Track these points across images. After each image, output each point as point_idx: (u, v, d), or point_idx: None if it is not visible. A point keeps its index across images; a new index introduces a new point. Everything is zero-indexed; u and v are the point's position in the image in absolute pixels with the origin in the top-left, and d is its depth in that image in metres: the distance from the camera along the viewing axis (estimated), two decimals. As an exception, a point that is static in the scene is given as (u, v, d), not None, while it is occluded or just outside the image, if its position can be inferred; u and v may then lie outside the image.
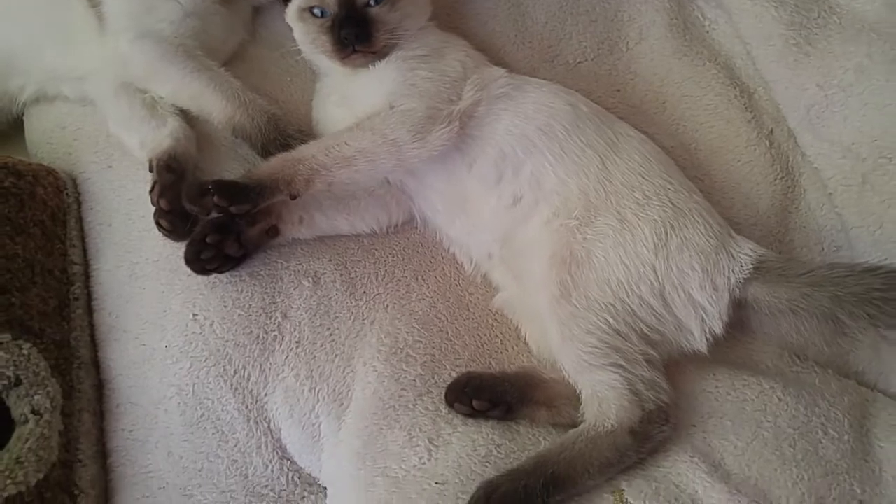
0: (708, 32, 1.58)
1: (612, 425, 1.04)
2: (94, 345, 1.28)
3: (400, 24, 1.31)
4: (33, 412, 1.12)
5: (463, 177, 1.26)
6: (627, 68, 1.57)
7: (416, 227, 1.37)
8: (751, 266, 1.16)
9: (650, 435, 1.05)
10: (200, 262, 1.17)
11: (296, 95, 1.46)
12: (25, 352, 1.14)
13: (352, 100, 1.32)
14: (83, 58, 1.40)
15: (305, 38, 1.34)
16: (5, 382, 1.11)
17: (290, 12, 1.36)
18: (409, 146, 1.19)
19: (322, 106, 1.40)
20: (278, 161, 1.17)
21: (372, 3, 1.29)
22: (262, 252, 1.26)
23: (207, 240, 1.15)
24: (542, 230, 1.20)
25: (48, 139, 1.47)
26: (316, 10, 1.30)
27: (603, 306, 1.11)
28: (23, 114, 1.55)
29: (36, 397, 1.13)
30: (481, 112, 1.26)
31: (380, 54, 1.30)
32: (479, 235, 1.28)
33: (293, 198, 1.16)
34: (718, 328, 1.14)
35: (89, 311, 1.30)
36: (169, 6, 1.37)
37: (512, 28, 1.57)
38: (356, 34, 1.25)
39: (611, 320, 1.10)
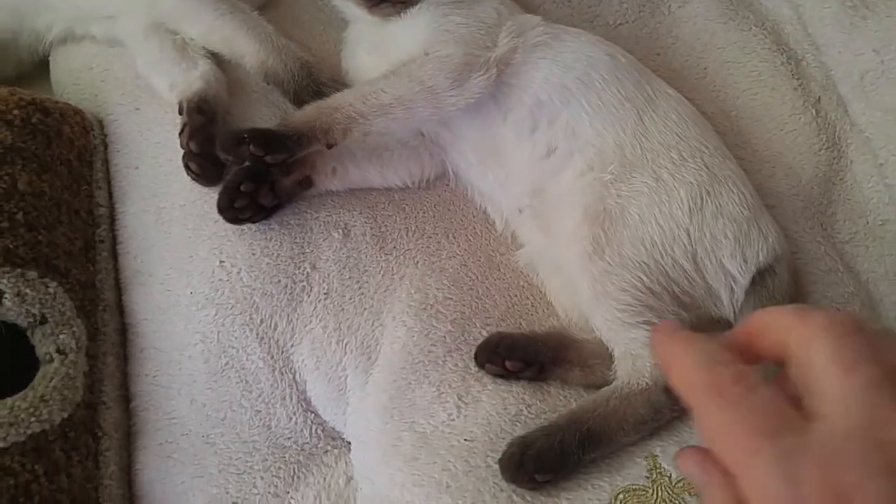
0: (753, -5, 1.53)
1: (646, 383, 1.02)
2: (118, 288, 1.26)
3: None
4: (58, 351, 1.11)
5: (497, 127, 1.23)
6: (669, 32, 1.53)
7: (447, 184, 1.34)
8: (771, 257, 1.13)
9: None
10: (234, 210, 1.14)
11: (328, 45, 1.42)
12: (52, 290, 1.12)
13: (383, 48, 1.29)
14: (113, -4, 1.36)
15: None
16: (31, 320, 1.09)
17: None
18: (446, 93, 1.16)
19: (352, 54, 1.36)
20: (314, 109, 1.14)
21: None
22: (292, 202, 1.23)
23: (241, 188, 1.13)
24: (576, 183, 1.17)
25: (74, 80, 1.44)
26: None
27: (637, 264, 1.08)
28: (48, 54, 1.52)
29: (61, 336, 1.11)
30: (518, 60, 1.22)
31: (410, 2, 1.26)
32: (511, 188, 1.25)
33: (329, 147, 1.13)
34: (743, 299, 1.11)
35: (114, 254, 1.28)
36: (202, -54, 1.33)
37: (547, -18, 1.53)
38: None
39: (644, 279, 1.08)
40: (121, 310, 1.25)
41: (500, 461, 1.00)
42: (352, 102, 1.13)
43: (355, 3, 1.28)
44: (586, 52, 1.25)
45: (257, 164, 1.13)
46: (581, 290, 1.10)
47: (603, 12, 1.53)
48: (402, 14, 1.26)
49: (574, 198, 1.16)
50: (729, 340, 0.59)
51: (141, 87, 1.36)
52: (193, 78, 1.27)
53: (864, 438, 0.52)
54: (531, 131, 1.21)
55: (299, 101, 1.29)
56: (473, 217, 1.32)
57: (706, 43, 1.49)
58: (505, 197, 1.27)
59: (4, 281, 1.07)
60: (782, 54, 1.43)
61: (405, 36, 1.25)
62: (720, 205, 1.12)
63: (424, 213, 1.30)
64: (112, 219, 1.30)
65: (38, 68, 1.55)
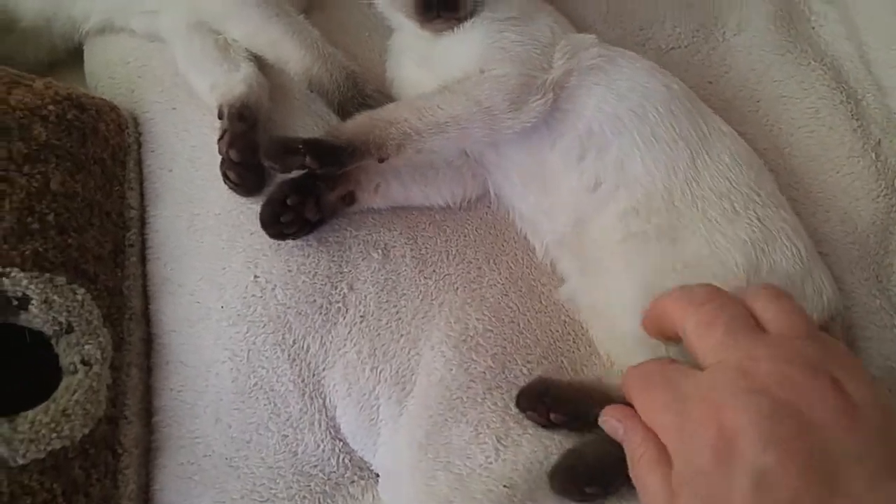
0: (814, 29, 1.48)
1: None
2: (145, 296, 1.22)
3: None
4: (83, 362, 1.06)
5: (545, 152, 1.18)
6: (722, 60, 1.48)
7: (489, 206, 1.29)
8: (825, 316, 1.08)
9: None
10: (279, 225, 1.10)
11: (373, 52, 1.37)
12: (80, 297, 1.08)
13: (432, 61, 1.24)
14: (157, -9, 1.31)
15: None
16: (56, 328, 1.05)
17: None
18: (503, 115, 1.11)
19: (398, 65, 1.32)
20: (366, 121, 1.09)
21: None
22: (332, 219, 1.18)
23: (288, 201, 1.08)
24: (619, 224, 1.13)
25: (110, 73, 1.39)
26: None
27: None
28: (83, 42, 1.47)
29: (87, 347, 1.07)
30: (573, 83, 1.18)
31: (464, 19, 1.21)
32: (554, 216, 1.20)
33: (381, 161, 1.08)
34: None
35: (142, 259, 1.24)
36: (255, -57, 1.28)
37: (605, 3, 1.48)
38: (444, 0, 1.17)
39: None
40: (147, 319, 1.21)
41: (553, 472, 0.98)
42: (407, 118, 1.08)
43: (406, 16, 1.23)
44: (642, 82, 1.20)
45: (305, 177, 1.08)
46: (628, 345, 1.05)
47: (655, 35, 1.48)
48: (454, 29, 1.22)
49: (617, 245, 1.11)
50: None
51: (179, 86, 1.32)
52: (235, 81, 1.22)
53: (729, 370, 0.69)
54: (579, 160, 1.16)
55: (343, 112, 1.24)
56: (515, 242, 1.27)
57: (761, 74, 1.44)
58: (547, 224, 1.22)
59: (32, 287, 1.03)
60: (842, 93, 1.38)
61: (458, 51, 1.20)
62: (774, 262, 1.07)
63: (465, 236, 1.25)
64: (143, 222, 1.26)
65: (72, 56, 1.51)
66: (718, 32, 1.49)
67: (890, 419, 0.67)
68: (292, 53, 1.24)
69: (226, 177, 1.16)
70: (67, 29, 1.43)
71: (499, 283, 1.21)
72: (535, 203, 1.22)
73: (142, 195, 1.27)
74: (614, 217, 1.14)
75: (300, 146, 1.03)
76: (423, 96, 1.14)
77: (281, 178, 1.14)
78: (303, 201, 1.10)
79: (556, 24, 1.27)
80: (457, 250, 1.23)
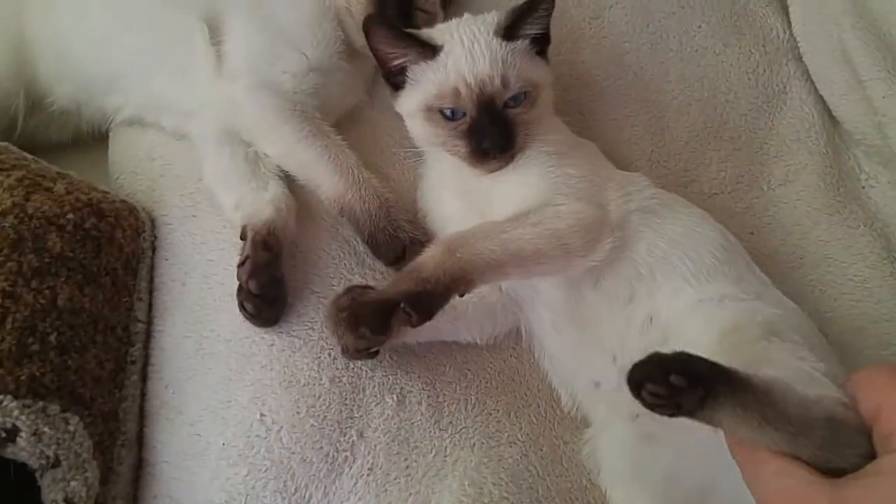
0: (864, 189, 1.43)
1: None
2: (141, 417, 1.15)
3: (537, 121, 1.18)
4: (66, 500, 0.98)
5: (586, 291, 1.11)
6: (766, 210, 1.43)
7: (514, 347, 1.23)
8: None
9: None
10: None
11: (408, 175, 1.33)
12: (72, 428, 1.00)
13: (477, 195, 1.18)
14: (192, 94, 1.27)
15: (433, 139, 1.18)
16: (43, 462, 0.97)
17: (409, 105, 1.18)
18: (577, 252, 1.05)
19: (436, 197, 1.25)
20: (447, 255, 0.99)
21: (512, 103, 1.14)
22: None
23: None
24: None
25: (133, 167, 1.35)
26: (447, 111, 1.14)
27: None
28: (110, 130, 1.43)
29: (72, 483, 0.99)
30: (634, 222, 1.12)
31: (516, 154, 1.15)
32: (590, 358, 1.13)
33: (461, 296, 1.01)
34: None
35: (143, 377, 1.17)
36: (294, 57, 1.25)
37: (650, 142, 1.44)
38: (500, 145, 1.11)
39: None
40: (140, 442, 1.13)
41: (638, 363, 0.82)
42: (493, 249, 1.01)
43: (459, 158, 1.16)
44: (695, 227, 1.15)
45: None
46: None
47: (699, 178, 1.44)
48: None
49: None
50: None
51: (202, 192, 1.27)
52: (263, 202, 1.17)
53: None
54: (627, 301, 1.10)
55: (372, 242, 1.19)
56: (538, 392, 1.20)
57: (806, 232, 1.39)
58: (582, 368, 1.15)
59: (23, 418, 0.95)
60: (891, 263, 1.32)
61: (513, 187, 1.14)
62: None
63: (487, 382, 1.18)
64: (148, 336, 1.19)
65: (96, 139, 1.47)
66: (764, 181, 1.45)
67: None
68: (325, 178, 1.19)
69: (242, 307, 1.10)
70: (97, 117, 1.40)
71: (519, 440, 1.14)
72: (570, 345, 1.15)
73: (150, 306, 1.21)
74: None
75: (400, 304, 0.95)
76: (502, 227, 1.05)
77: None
78: None
79: (601, 160, 1.24)
80: (476, 398, 1.16)
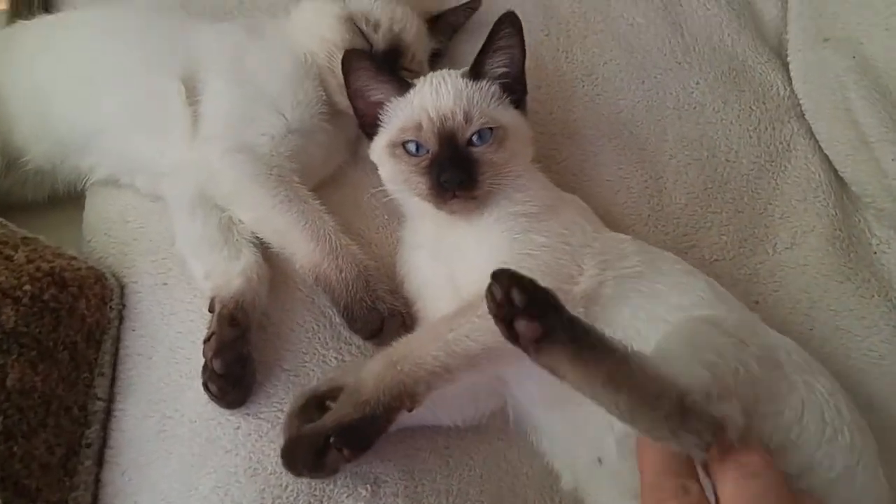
0: (876, 255, 1.35)
1: None
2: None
3: (506, 165, 1.12)
4: None
5: None
6: (772, 276, 1.34)
7: (502, 427, 1.13)
8: None
9: None
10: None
11: (390, 240, 1.26)
12: (12, 524, 0.92)
13: (448, 255, 1.12)
14: (167, 156, 1.23)
15: (396, 176, 1.15)
16: (-23, 565, 0.89)
17: (378, 148, 1.18)
18: None
19: (412, 259, 1.19)
20: (388, 369, 0.94)
21: (476, 141, 1.11)
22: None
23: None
24: None
25: (107, 229, 1.29)
26: (411, 146, 1.12)
27: None
28: (86, 189, 1.38)
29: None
30: (607, 294, 1.04)
31: (482, 199, 1.10)
32: (589, 429, 1.03)
33: (410, 410, 0.95)
34: None
35: (100, 460, 1.09)
36: (273, 119, 1.20)
37: (646, 205, 1.36)
38: (459, 180, 1.06)
39: None
40: (93, 532, 1.05)
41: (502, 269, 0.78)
42: (435, 356, 0.94)
43: (421, 198, 1.12)
44: (683, 281, 1.09)
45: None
46: None
47: (699, 243, 1.36)
48: (472, 219, 1.10)
49: None
50: None
51: (174, 258, 1.21)
52: (234, 273, 1.10)
53: None
54: None
55: (348, 314, 1.12)
56: (527, 480, 1.11)
57: (815, 300, 1.30)
58: (579, 441, 1.05)
59: (-43, 515, 0.88)
60: (910, 336, 1.23)
61: (474, 248, 1.08)
62: None
63: (471, 470, 1.09)
64: (109, 414, 1.12)
65: (72, 198, 1.41)
66: (769, 245, 1.36)
67: None
68: (300, 245, 1.13)
69: (206, 387, 1.03)
70: (72, 177, 1.36)
71: (504, 535, 1.04)
72: (564, 421, 1.06)
73: (113, 381, 1.14)
74: None
75: (330, 438, 0.91)
76: (447, 324, 0.99)
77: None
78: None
79: (583, 218, 1.16)
80: (458, 489, 1.07)
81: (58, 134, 1.29)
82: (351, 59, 1.16)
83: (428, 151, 1.11)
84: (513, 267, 1.00)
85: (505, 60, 1.15)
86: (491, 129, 1.11)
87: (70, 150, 1.31)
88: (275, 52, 1.25)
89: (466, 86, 1.14)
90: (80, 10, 1.38)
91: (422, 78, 1.17)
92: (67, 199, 1.42)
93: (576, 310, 0.99)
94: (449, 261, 1.12)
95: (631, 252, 1.11)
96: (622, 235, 1.16)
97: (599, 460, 1.03)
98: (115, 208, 1.31)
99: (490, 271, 1.01)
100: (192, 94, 1.21)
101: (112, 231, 1.29)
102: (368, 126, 1.19)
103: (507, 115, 1.15)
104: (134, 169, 1.28)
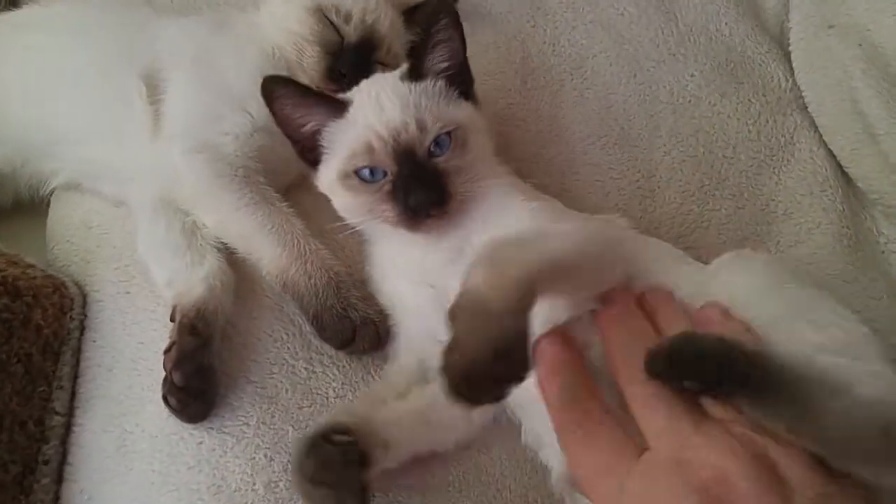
0: (883, 253, 1.27)
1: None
2: (53, 524, 1.01)
3: (473, 167, 1.01)
4: None
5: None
6: (776, 274, 1.27)
7: (482, 442, 1.06)
8: None
9: None
10: None
11: (361, 244, 1.19)
12: (-41, 548, 0.87)
13: (437, 273, 1.01)
14: (129, 158, 1.17)
15: (357, 209, 1.03)
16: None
17: (327, 177, 1.04)
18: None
19: (390, 288, 1.07)
20: (496, 274, 0.74)
21: (436, 150, 0.99)
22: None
23: None
24: None
25: (69, 236, 1.24)
26: (364, 173, 0.99)
27: None
28: (51, 193, 1.32)
29: None
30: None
31: (456, 208, 0.99)
32: None
33: None
34: None
35: (59, 478, 1.03)
36: (237, 117, 1.14)
37: (639, 207, 1.29)
38: (430, 200, 0.96)
39: None
40: (50, 554, 0.99)
41: (656, 352, 0.76)
42: (557, 246, 0.82)
43: (392, 226, 1.00)
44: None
45: None
46: None
47: (697, 244, 1.26)
48: (452, 231, 1.00)
49: None
50: None
51: (138, 264, 1.15)
52: (196, 280, 1.05)
53: (670, 463, 0.71)
54: None
55: (318, 323, 1.05)
56: (510, 494, 1.04)
57: (822, 301, 1.22)
58: None
59: None
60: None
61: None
62: None
63: (448, 486, 1.02)
64: (68, 429, 1.06)
65: (36, 203, 1.36)
66: (772, 243, 1.28)
67: None
68: (266, 250, 1.07)
69: (165, 400, 0.97)
70: (34, 182, 1.30)
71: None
72: None
73: (73, 395, 1.08)
74: None
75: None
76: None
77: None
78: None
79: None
80: (436, 506, 1.00)
81: (17, 137, 1.23)
82: (268, 87, 1.01)
83: (386, 174, 0.98)
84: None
85: (446, 54, 1.03)
86: (449, 133, 0.99)
87: (30, 154, 1.26)
88: (240, 47, 1.19)
89: (410, 90, 1.01)
90: (41, 5, 1.32)
91: (355, 89, 1.05)
92: (32, 205, 1.37)
93: None
94: (439, 277, 1.01)
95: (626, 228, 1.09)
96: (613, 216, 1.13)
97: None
98: (78, 214, 1.25)
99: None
100: (153, 93, 1.15)
101: (74, 238, 1.24)
102: (308, 152, 1.05)
103: (460, 112, 1.03)
104: (96, 173, 1.23)
